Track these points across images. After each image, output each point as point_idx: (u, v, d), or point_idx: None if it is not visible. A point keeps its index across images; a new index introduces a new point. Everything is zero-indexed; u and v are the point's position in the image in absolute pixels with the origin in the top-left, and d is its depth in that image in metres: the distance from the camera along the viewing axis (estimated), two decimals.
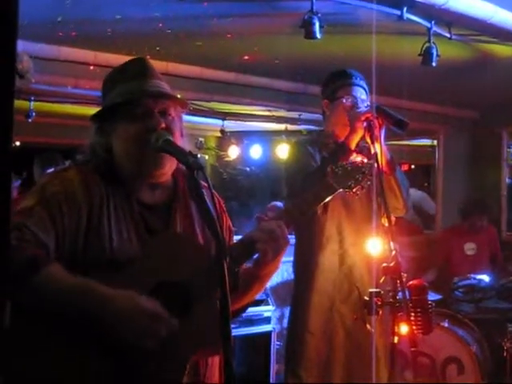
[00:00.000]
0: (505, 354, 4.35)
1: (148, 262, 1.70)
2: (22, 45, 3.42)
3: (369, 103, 3.01)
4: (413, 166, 9.68)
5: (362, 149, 2.82)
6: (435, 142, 6.97)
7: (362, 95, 3.01)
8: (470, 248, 5.70)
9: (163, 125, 1.73)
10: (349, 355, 3.02)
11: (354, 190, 1.97)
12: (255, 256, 1.78)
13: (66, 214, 1.67)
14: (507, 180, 6.66)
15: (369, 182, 2.02)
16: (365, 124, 2.82)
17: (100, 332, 1.58)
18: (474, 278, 5.00)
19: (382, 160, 2.68)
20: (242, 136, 7.70)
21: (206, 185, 1.60)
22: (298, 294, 3.16)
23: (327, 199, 1.91)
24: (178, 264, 1.71)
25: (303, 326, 3.04)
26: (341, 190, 1.93)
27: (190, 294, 1.68)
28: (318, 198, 1.90)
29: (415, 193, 6.73)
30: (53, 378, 1.58)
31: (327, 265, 3.03)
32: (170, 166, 1.78)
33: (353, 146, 2.83)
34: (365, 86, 3.04)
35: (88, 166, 1.78)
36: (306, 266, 3.10)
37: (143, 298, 1.60)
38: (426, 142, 7.95)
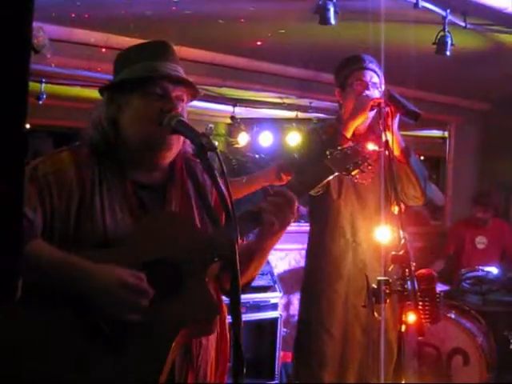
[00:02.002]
0: (511, 347, 4.34)
1: (139, 240, 1.70)
2: (34, 26, 3.40)
3: (382, 87, 2.99)
4: (422, 158, 9.63)
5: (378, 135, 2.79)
6: (446, 134, 6.94)
7: (373, 79, 2.97)
8: (480, 241, 5.68)
9: (179, 109, 1.75)
10: (364, 350, 3.02)
11: (353, 174, 1.97)
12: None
13: (55, 194, 1.68)
14: None
15: (369, 167, 2.01)
16: (373, 111, 2.82)
17: (84, 306, 1.60)
18: (482, 270, 4.99)
19: (396, 148, 2.66)
20: (252, 123, 7.68)
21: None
22: (309, 286, 3.14)
23: (324, 181, 1.91)
24: (169, 242, 1.71)
25: (318, 321, 3.03)
26: (338, 173, 1.92)
27: (181, 272, 1.68)
28: (316, 180, 1.90)
29: None
30: (36, 353, 1.59)
31: (340, 257, 3.02)
32: (177, 148, 1.79)
33: (350, 130, 2.83)
34: (377, 69, 2.99)
35: (83, 149, 1.78)
36: (318, 257, 3.09)
37: (125, 271, 1.61)
38: (436, 133, 7.91)
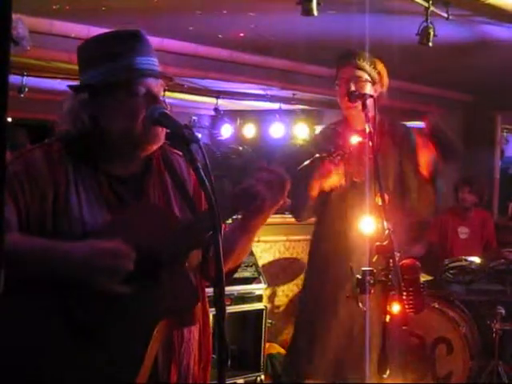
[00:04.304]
0: (494, 335, 4.39)
1: (117, 232, 1.68)
2: (14, 18, 3.37)
3: (385, 83, 3.03)
4: None
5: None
6: None
7: (357, 73, 2.98)
8: (463, 232, 5.73)
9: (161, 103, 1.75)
10: (338, 335, 3.06)
11: (334, 156, 1.99)
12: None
13: (28, 193, 1.66)
14: (500, 164, 6.69)
15: (351, 149, 2.03)
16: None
17: (62, 297, 1.59)
18: (465, 260, 5.03)
19: (425, 169, 2.80)
20: (235, 115, 7.67)
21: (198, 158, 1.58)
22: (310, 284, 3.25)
23: (306, 163, 1.92)
24: (147, 232, 1.70)
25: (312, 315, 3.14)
26: (318, 155, 1.94)
27: (160, 262, 1.68)
28: (298, 163, 1.91)
29: None
30: (21, 344, 1.58)
31: (333, 248, 3.08)
32: (163, 141, 1.78)
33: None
34: (364, 63, 2.99)
35: (55, 145, 1.76)
36: (317, 244, 3.19)
37: (100, 241, 1.62)
38: (420, 124, 7.94)
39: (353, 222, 3.03)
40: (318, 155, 1.95)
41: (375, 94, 2.96)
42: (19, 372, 1.58)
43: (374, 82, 3.01)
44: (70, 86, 1.81)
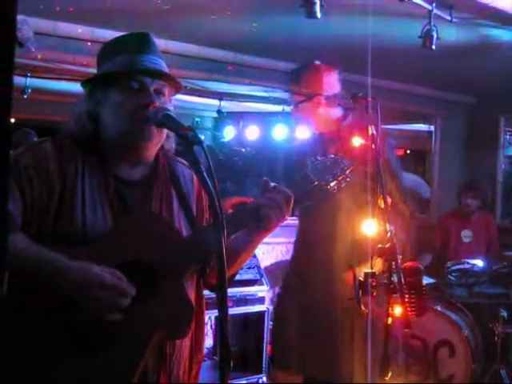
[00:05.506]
0: (496, 339, 4.38)
1: (116, 240, 1.68)
2: (19, 19, 3.36)
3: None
4: (408, 151, 9.65)
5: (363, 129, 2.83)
6: (431, 127, 6.97)
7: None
8: (466, 235, 5.72)
9: (157, 104, 1.72)
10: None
11: (332, 185, 1.98)
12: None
13: (36, 186, 1.65)
14: (503, 166, 6.68)
15: (348, 179, 2.03)
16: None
17: (60, 305, 1.57)
18: (468, 263, 5.02)
19: None
20: (238, 117, 7.67)
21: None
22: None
23: (305, 191, 1.93)
24: (146, 243, 1.69)
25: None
26: (317, 183, 1.94)
27: (157, 274, 1.66)
28: (297, 190, 1.90)
29: (410, 176, 6.73)
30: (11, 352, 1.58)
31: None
32: (157, 141, 1.76)
33: None
34: (330, 79, 3.12)
35: (65, 141, 1.75)
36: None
37: (102, 269, 1.57)
38: (422, 126, 7.93)
39: (355, 224, 3.03)
40: (316, 182, 1.95)
41: (322, 104, 3.02)
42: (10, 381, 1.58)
43: (312, 97, 3.06)
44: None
